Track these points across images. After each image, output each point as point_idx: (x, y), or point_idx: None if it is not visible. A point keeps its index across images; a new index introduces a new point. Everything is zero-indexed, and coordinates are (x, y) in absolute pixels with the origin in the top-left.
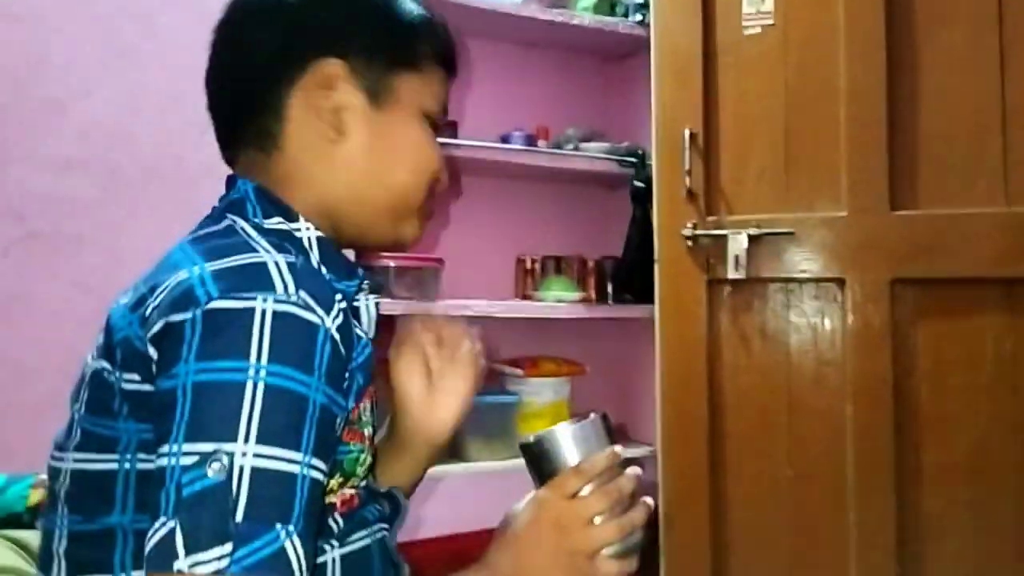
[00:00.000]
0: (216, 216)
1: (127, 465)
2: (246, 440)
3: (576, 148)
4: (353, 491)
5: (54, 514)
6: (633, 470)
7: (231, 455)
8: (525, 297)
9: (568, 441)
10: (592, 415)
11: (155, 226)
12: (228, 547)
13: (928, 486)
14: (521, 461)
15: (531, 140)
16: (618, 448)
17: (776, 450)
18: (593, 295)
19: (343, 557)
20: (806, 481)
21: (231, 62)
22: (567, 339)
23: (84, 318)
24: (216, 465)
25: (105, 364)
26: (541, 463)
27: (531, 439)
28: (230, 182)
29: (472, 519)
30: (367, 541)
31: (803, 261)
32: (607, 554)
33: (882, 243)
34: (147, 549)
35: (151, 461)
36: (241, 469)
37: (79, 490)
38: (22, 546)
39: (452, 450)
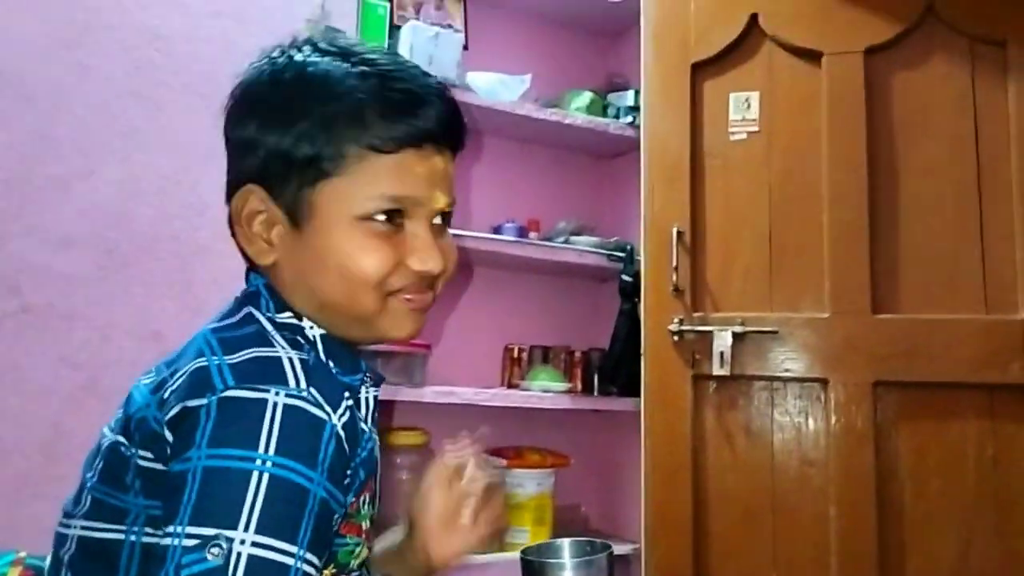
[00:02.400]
0: (236, 307)
1: (133, 537)
2: (246, 528)
3: (566, 241)
4: None
5: None
6: None
7: (231, 541)
8: (512, 386)
9: (569, 573)
10: (598, 546)
11: (147, 303)
12: None
13: None
14: (503, 555)
15: (523, 232)
16: None
17: (760, 552)
18: (579, 386)
19: None
20: None
21: None
22: (552, 430)
23: (69, 394)
24: (215, 550)
25: (122, 439)
26: None
27: (532, 557)
28: (247, 276)
29: None
30: None
31: (787, 360)
32: None
33: (864, 345)
34: None
35: (157, 536)
36: (239, 556)
37: (84, 557)
38: None
39: None
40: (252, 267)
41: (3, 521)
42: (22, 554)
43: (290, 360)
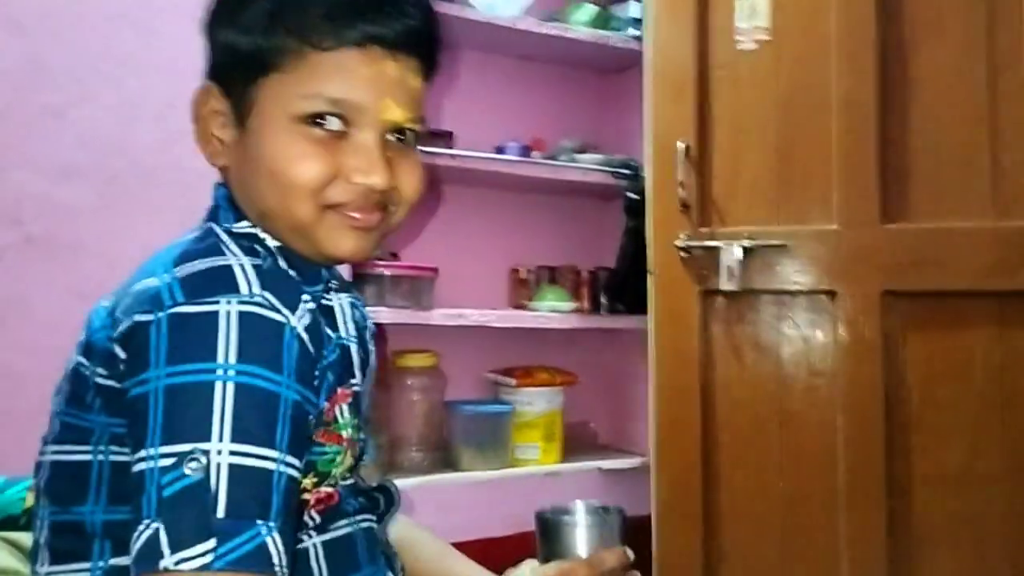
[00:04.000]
0: (200, 223)
1: (100, 456)
2: (220, 439)
3: (570, 159)
4: (331, 489)
5: (37, 506)
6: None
7: (207, 453)
8: (519, 307)
9: (583, 530)
10: (612, 510)
11: (152, 232)
12: (212, 543)
13: (919, 497)
14: (514, 471)
15: (526, 151)
16: (629, 551)
17: (768, 461)
18: (586, 305)
19: (325, 543)
20: (798, 492)
21: None
22: (560, 349)
23: (79, 324)
24: (193, 464)
25: (82, 359)
26: (552, 540)
27: (548, 513)
28: (215, 187)
29: (465, 528)
30: (349, 529)
31: (795, 273)
32: None
33: (873, 256)
34: (133, 551)
35: (123, 454)
36: (219, 467)
37: (56, 481)
38: (19, 547)
39: (446, 460)
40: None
41: (19, 448)
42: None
43: (241, 267)
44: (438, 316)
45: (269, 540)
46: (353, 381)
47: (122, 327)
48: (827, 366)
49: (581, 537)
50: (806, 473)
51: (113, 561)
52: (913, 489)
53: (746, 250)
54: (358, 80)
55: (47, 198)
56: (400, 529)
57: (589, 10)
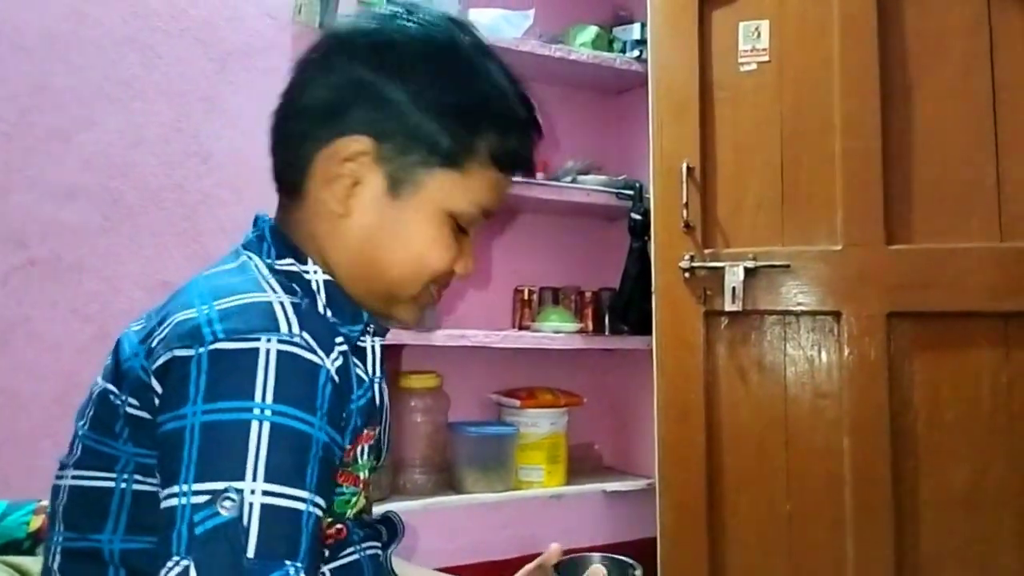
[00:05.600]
0: (233, 254)
1: (123, 484)
2: (254, 478)
3: (574, 180)
4: (341, 525)
5: (52, 531)
6: None
7: (240, 492)
8: (523, 328)
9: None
10: (635, 568)
11: (155, 254)
12: None
13: (926, 520)
14: (518, 493)
15: (531, 172)
16: None
17: (774, 483)
18: (590, 326)
19: (333, 571)
20: (804, 515)
21: (291, 97)
22: (564, 370)
23: (82, 346)
24: (227, 503)
25: (111, 387)
26: None
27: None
28: (255, 221)
29: (468, 551)
30: (356, 556)
31: (799, 294)
32: None
33: (878, 277)
34: None
35: (147, 483)
36: (251, 506)
37: (75, 506)
38: (22, 572)
39: (449, 482)
40: (283, 202)
41: (22, 471)
42: (43, 503)
43: (281, 304)
44: (441, 336)
45: None
46: (374, 423)
47: (160, 361)
48: (832, 387)
49: None
50: (812, 495)
51: None
52: (920, 511)
53: (749, 270)
54: (499, 198)
55: (52, 220)
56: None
57: (591, 31)
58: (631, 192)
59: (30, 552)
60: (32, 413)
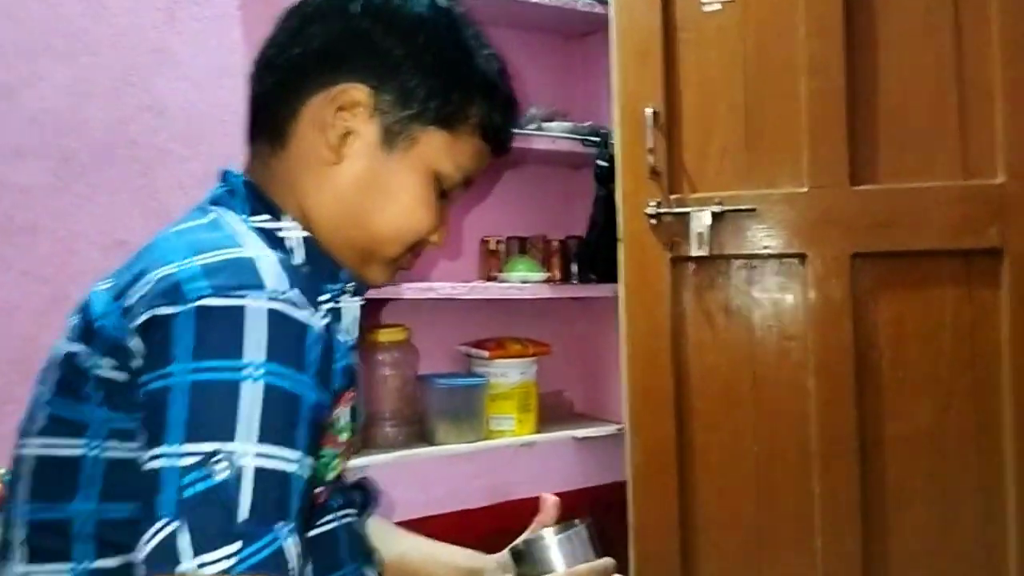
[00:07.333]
0: (202, 208)
1: (95, 452)
2: (247, 439)
3: (538, 128)
4: (322, 488)
5: (14, 502)
6: None
7: (232, 454)
8: (489, 279)
9: (555, 549)
10: (578, 523)
11: (110, 213)
12: (236, 546)
13: (891, 457)
14: (489, 443)
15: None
16: (609, 560)
17: (742, 425)
18: (558, 275)
19: (308, 540)
20: (771, 454)
21: (280, 45)
22: (533, 320)
23: (37, 308)
24: (220, 465)
25: (80, 347)
26: (527, 568)
27: (519, 544)
28: (223, 176)
29: (441, 501)
30: (333, 525)
31: (765, 237)
32: None
33: (842, 218)
34: (145, 551)
35: (122, 449)
36: (243, 468)
37: (42, 476)
38: None
39: (420, 434)
40: (259, 153)
41: None
42: (2, 470)
43: (266, 260)
44: (408, 290)
45: (287, 543)
46: (354, 386)
47: (141, 318)
48: (798, 329)
49: (555, 558)
50: (780, 435)
51: (98, 563)
52: (885, 448)
53: (716, 215)
54: (478, 169)
55: (1, 181)
56: (373, 525)
57: None
58: (596, 139)
59: None
60: None
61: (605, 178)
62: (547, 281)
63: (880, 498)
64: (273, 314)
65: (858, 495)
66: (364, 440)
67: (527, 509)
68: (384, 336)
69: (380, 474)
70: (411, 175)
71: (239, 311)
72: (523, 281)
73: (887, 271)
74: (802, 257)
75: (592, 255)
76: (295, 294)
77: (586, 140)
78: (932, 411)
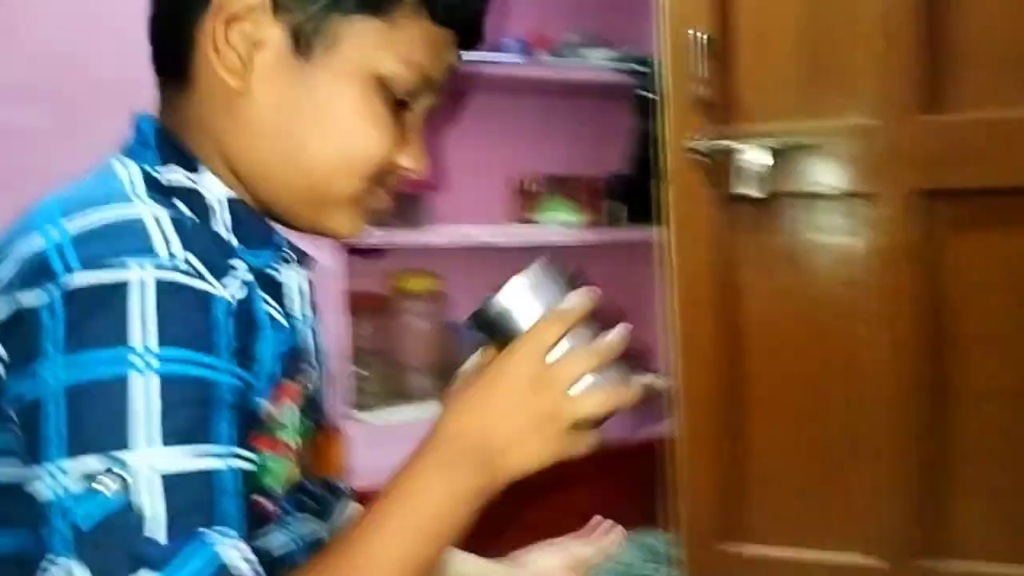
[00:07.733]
0: (107, 163)
1: None
2: (147, 444)
3: (577, 56)
4: (262, 499)
5: None
6: (622, 327)
7: (128, 466)
8: (524, 221)
9: (527, 293)
10: (540, 261)
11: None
12: (145, 574)
13: (965, 416)
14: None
15: (526, 48)
16: (593, 290)
17: (800, 380)
18: (597, 217)
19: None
20: (830, 411)
21: None
22: (568, 263)
23: None
24: (113, 482)
25: None
26: (498, 330)
27: (480, 305)
28: (136, 123)
29: None
30: (292, 548)
31: (827, 175)
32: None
33: (915, 152)
34: None
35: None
36: (148, 481)
37: None
38: None
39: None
40: (168, 97)
41: None
42: None
43: (156, 219)
44: (438, 235)
45: (223, 549)
46: (303, 376)
47: (2, 314)
48: (864, 276)
49: (530, 305)
50: (842, 393)
51: None
52: (958, 403)
53: (774, 150)
54: (442, 63)
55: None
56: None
57: None
58: (641, 67)
59: None
60: None
61: (649, 111)
62: (585, 224)
63: (949, 460)
64: (164, 286)
65: (927, 456)
66: (396, 392)
67: None
68: (411, 285)
69: (414, 423)
70: (341, 83)
71: (120, 288)
72: (561, 224)
73: (963, 211)
74: (871, 196)
75: (632, 195)
76: (192, 259)
77: (630, 69)
78: (1011, 363)
